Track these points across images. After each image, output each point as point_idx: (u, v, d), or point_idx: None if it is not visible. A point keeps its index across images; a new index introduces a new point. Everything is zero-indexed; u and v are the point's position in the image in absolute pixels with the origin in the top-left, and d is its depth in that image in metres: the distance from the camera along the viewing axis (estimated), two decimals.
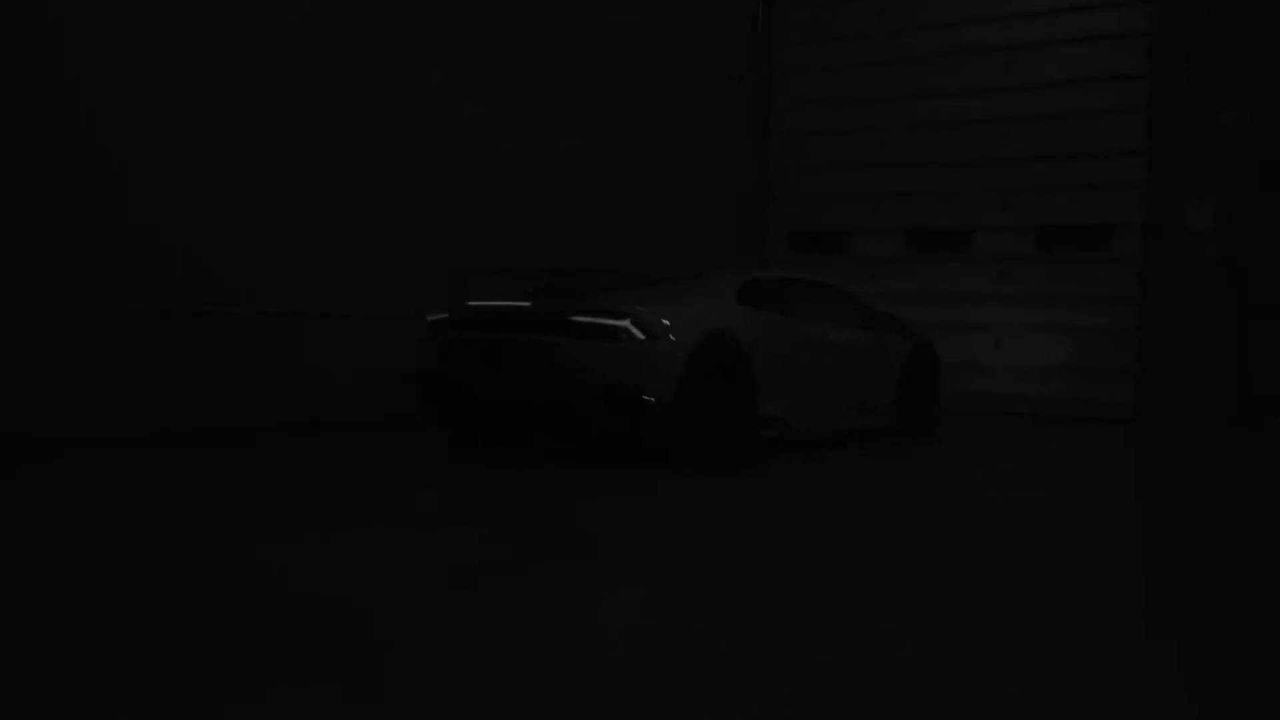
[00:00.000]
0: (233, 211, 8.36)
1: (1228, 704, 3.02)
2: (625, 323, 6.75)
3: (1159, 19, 11.95)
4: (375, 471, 6.91)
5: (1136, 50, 12.03)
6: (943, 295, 13.12)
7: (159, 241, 7.94)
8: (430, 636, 3.40)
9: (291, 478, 6.60)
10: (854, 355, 8.87)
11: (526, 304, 7.20)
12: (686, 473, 6.84)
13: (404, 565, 4.42)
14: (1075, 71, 12.38)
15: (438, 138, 9.87)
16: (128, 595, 3.79)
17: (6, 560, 4.32)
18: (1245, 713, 2.97)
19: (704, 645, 3.38)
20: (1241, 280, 11.27)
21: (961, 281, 13.10)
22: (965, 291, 13.05)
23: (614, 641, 3.55)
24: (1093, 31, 12.29)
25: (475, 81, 10.19)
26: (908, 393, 9.43)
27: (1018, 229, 12.79)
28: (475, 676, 3.04)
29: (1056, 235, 12.57)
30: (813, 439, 8.23)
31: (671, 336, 6.79)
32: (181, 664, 3.09)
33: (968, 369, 12.75)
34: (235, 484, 6.24)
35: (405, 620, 3.58)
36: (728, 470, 7.05)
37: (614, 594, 4.21)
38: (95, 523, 5.01)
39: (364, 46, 9.28)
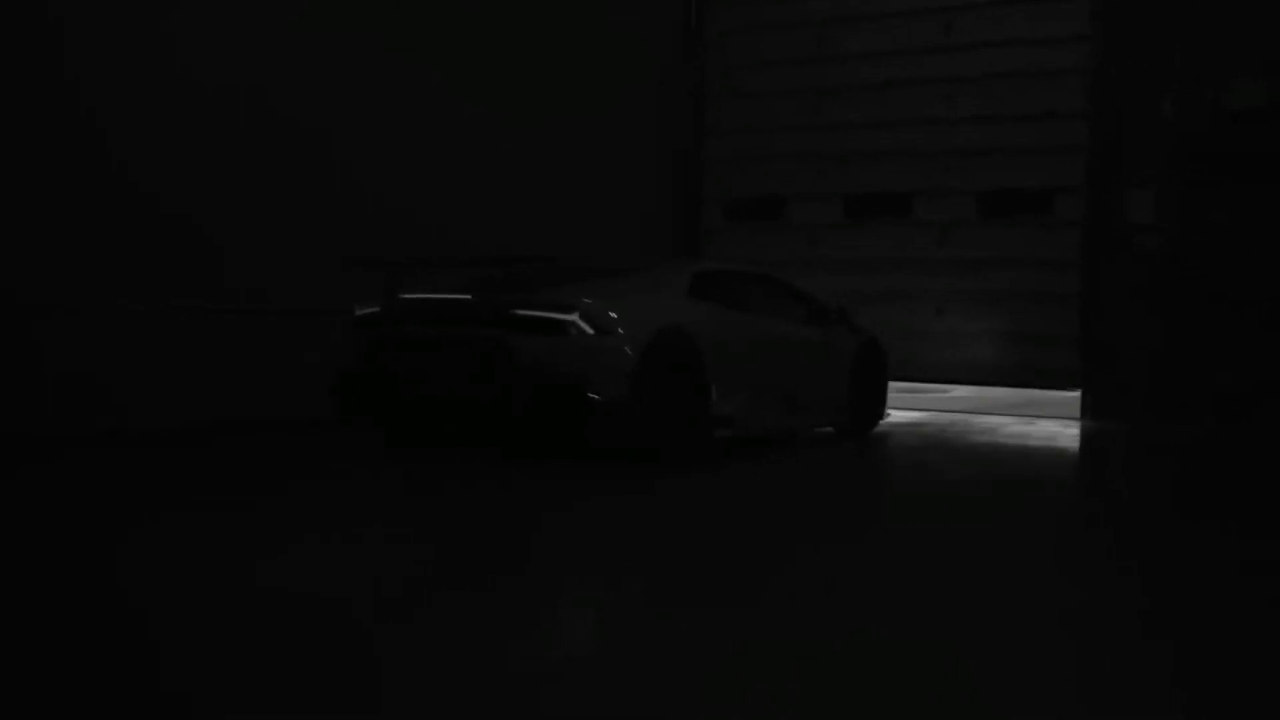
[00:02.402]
0: (233, 209, 8.57)
1: (1225, 704, 3.12)
2: (574, 316, 6.55)
3: None
4: (373, 472, 7.02)
5: (1081, 11, 12.30)
6: (883, 261, 13.36)
7: (158, 239, 8.11)
8: (432, 644, 3.42)
9: (290, 478, 6.66)
10: (805, 351, 8.89)
11: (466, 297, 7.01)
12: (676, 472, 6.85)
13: (402, 568, 4.48)
14: (1017, 32, 12.63)
15: (416, 134, 10.13)
16: (114, 602, 3.83)
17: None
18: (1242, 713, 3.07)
19: (699, 647, 3.44)
20: (1192, 273, 11.48)
21: (902, 247, 13.33)
22: (906, 257, 13.28)
23: (610, 645, 3.60)
24: None
25: (464, 76, 10.55)
26: (857, 389, 9.50)
27: (959, 193, 13.05)
28: (479, 683, 3.06)
29: (998, 199, 12.85)
30: (766, 438, 8.22)
31: (621, 330, 6.64)
32: (167, 675, 3.11)
33: (909, 337, 13.03)
34: (233, 484, 6.32)
35: (406, 626, 3.61)
36: (711, 470, 7.11)
37: (613, 595, 4.27)
38: (91, 524, 5.08)
39: (366, 46, 9.59)
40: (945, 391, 14.69)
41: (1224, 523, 6.12)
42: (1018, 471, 7.93)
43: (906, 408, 12.03)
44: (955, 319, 13.10)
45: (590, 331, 6.56)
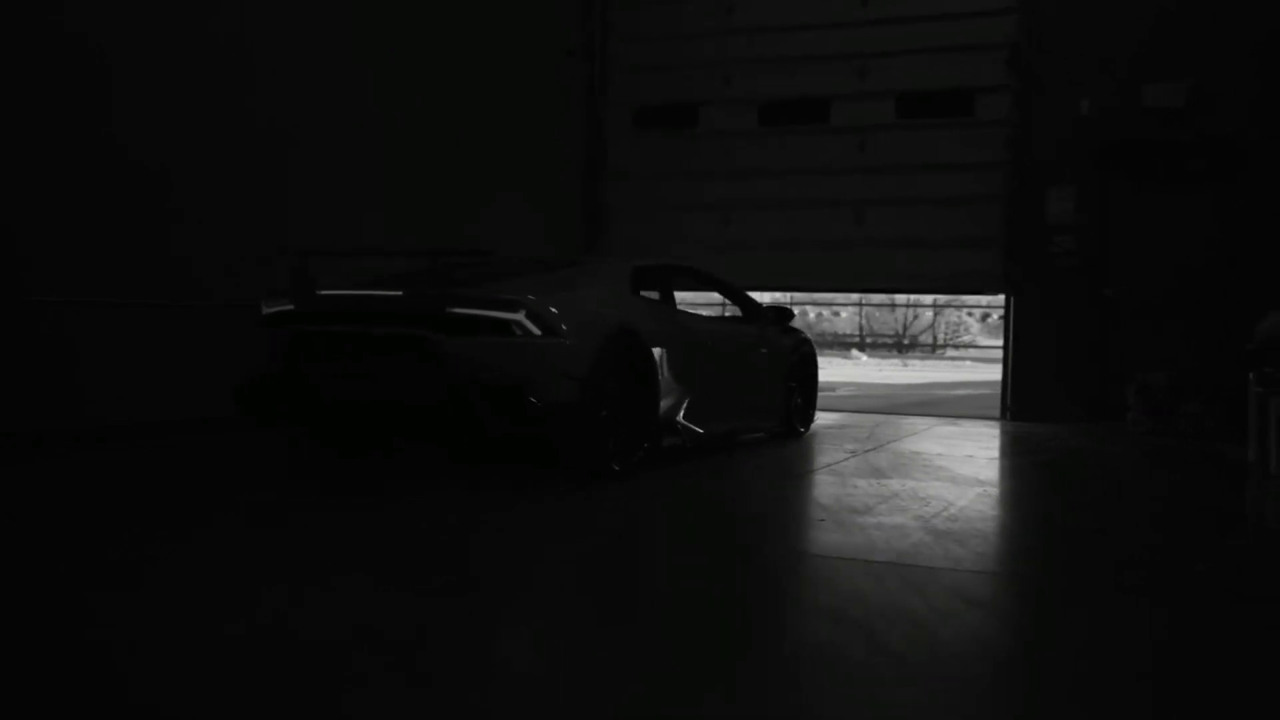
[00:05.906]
0: (229, 206, 8.64)
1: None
2: (519, 315, 6.07)
3: None
4: (365, 472, 6.91)
5: None
6: (800, 169, 13.16)
7: (157, 236, 8.15)
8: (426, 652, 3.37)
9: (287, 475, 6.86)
10: (747, 353, 8.77)
11: (397, 293, 6.53)
12: (621, 480, 6.59)
13: (398, 574, 4.38)
14: None
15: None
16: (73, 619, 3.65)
17: None
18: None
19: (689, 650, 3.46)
20: (1101, 274, 11.71)
21: (820, 154, 13.12)
22: (824, 164, 13.09)
23: (605, 654, 3.49)
24: None
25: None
26: (793, 392, 9.52)
27: (877, 96, 12.83)
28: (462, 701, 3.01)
29: (918, 101, 12.69)
30: (711, 444, 8.05)
31: (567, 328, 6.21)
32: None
33: (829, 246, 13.02)
34: (225, 483, 6.40)
35: (409, 631, 3.56)
36: (661, 477, 6.91)
37: (610, 597, 4.25)
38: (62, 535, 4.93)
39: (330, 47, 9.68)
40: (831, 390, 14.75)
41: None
42: (971, 472, 7.74)
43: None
44: (876, 226, 12.96)
45: (537, 332, 6.13)
